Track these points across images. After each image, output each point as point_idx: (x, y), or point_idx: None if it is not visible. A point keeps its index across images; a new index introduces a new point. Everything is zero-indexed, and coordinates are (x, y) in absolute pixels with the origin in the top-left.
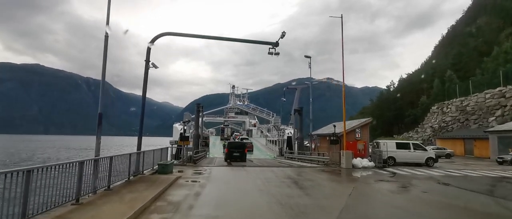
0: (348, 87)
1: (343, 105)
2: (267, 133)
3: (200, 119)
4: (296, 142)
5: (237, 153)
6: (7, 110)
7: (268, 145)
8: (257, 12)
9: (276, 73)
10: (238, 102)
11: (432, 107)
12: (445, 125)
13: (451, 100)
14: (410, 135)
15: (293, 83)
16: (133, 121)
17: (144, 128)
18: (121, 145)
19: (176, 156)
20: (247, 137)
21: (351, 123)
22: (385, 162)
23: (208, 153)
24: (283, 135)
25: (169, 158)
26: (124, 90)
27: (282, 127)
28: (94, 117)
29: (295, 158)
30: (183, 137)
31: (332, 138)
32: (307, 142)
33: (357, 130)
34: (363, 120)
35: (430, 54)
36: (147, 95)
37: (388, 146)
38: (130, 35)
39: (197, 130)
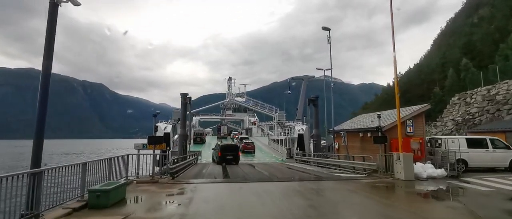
0: (345, 84)
1: (396, 81)
2: (270, 132)
3: (188, 116)
4: (311, 141)
5: (230, 156)
6: (2, 115)
7: (272, 145)
8: (254, 10)
9: (274, 72)
10: (237, 98)
11: (452, 98)
12: (471, 117)
13: (475, 90)
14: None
15: (293, 84)
16: (130, 123)
17: (142, 130)
18: (113, 148)
19: (161, 164)
20: (247, 136)
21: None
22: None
23: (200, 157)
24: (291, 133)
25: (135, 170)
26: (121, 92)
27: (288, 123)
28: (91, 120)
29: (310, 162)
30: (153, 139)
31: (379, 133)
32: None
33: (408, 122)
34: (416, 107)
35: (429, 47)
36: (144, 97)
37: (456, 144)
38: (127, 37)
39: (183, 128)
